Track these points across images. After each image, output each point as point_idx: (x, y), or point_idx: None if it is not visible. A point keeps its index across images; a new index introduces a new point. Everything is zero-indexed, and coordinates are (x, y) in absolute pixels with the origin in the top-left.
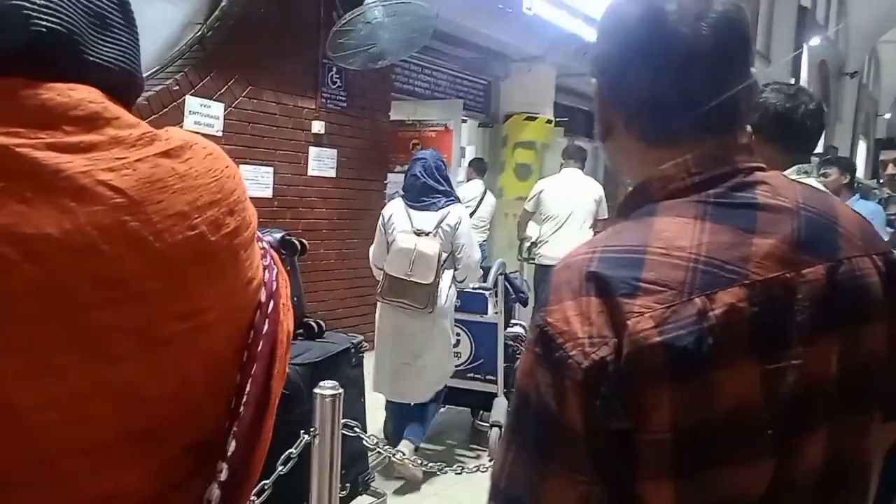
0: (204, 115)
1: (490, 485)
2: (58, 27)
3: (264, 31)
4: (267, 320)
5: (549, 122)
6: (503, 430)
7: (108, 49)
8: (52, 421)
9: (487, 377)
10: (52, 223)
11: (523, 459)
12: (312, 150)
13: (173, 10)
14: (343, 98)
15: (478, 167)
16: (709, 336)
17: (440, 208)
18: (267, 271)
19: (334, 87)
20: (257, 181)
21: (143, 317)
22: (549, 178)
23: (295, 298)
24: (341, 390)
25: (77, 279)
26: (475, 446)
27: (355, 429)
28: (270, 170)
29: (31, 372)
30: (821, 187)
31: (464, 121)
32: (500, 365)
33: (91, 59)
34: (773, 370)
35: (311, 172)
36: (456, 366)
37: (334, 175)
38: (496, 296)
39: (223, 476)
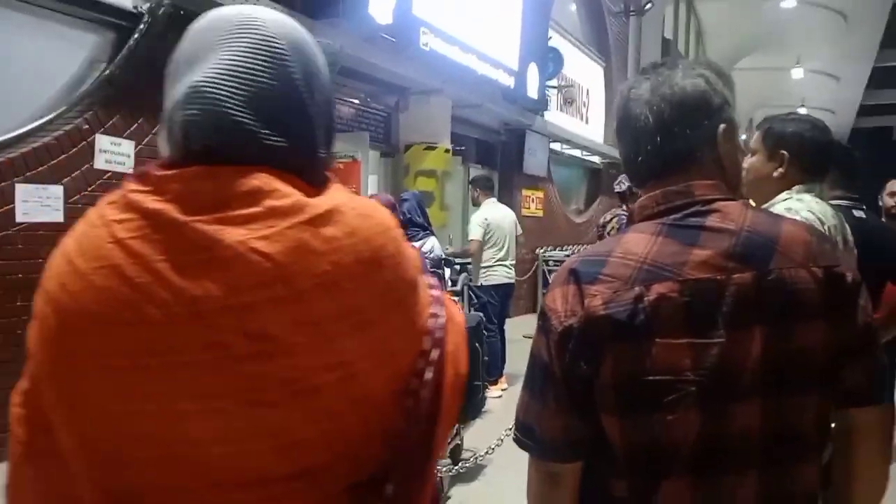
0: (115, 153)
1: (515, 417)
2: (243, 120)
3: None
4: (431, 368)
5: (447, 151)
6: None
7: (282, 128)
8: (222, 454)
9: None
10: (215, 286)
11: (531, 397)
12: None
13: (76, 50)
14: None
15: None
16: (641, 314)
17: (418, 240)
18: (433, 319)
19: None
20: None
21: (292, 368)
22: (486, 208)
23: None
24: None
25: (233, 335)
26: None
27: None
28: None
29: (203, 413)
30: (814, 206)
31: None
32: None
33: (265, 142)
34: (699, 343)
35: None
36: None
37: None
38: (462, 300)
39: None
